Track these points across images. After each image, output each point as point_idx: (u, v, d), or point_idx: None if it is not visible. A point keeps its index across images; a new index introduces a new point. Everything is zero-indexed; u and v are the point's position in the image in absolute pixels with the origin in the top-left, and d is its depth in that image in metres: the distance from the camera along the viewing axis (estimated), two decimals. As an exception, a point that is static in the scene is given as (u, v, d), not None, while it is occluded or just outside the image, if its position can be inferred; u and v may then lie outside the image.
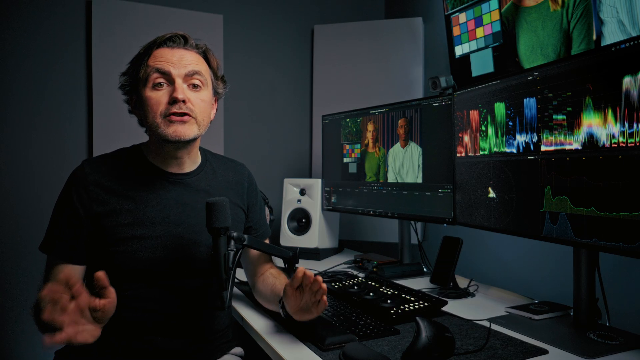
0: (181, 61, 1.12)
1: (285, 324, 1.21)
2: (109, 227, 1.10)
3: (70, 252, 1.11)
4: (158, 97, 1.10)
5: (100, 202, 1.11)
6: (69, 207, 1.11)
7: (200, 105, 1.14)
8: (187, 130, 1.12)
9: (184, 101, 1.10)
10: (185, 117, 1.11)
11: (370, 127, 1.93)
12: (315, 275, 1.03)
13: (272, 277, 1.31)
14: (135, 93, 1.16)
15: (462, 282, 1.60)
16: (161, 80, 1.11)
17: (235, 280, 1.59)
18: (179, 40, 1.14)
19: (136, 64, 1.15)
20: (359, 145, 1.99)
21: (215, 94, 1.23)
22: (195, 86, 1.14)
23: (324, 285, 1.04)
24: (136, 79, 1.14)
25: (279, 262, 1.51)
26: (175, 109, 1.10)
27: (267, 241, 1.42)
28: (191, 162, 1.23)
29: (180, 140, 1.12)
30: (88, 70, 2.04)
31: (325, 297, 1.05)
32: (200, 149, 1.28)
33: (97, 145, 2.02)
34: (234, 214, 1.28)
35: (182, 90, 1.11)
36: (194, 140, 1.17)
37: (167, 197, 1.17)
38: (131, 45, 2.03)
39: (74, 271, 1.12)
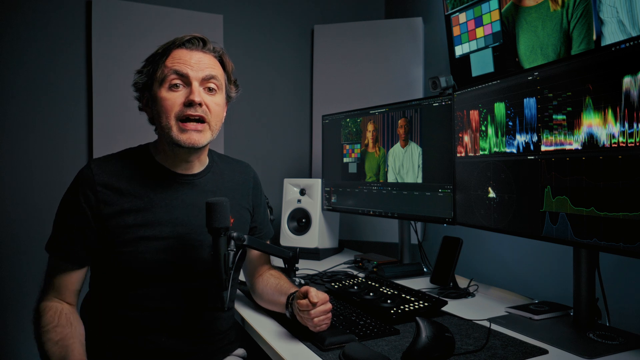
0: (199, 64, 1.12)
1: (287, 324, 1.21)
2: (116, 228, 1.10)
3: (72, 254, 1.10)
4: (174, 99, 1.10)
5: (108, 203, 1.10)
6: (75, 208, 1.10)
7: (215, 109, 1.15)
8: (200, 138, 1.12)
9: (200, 104, 1.10)
10: (200, 125, 1.11)
11: (370, 127, 1.93)
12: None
13: (274, 278, 1.31)
14: (148, 91, 1.16)
15: (462, 282, 1.60)
16: (178, 81, 1.11)
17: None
18: (198, 42, 1.15)
19: (153, 62, 1.14)
20: (359, 145, 1.99)
21: (228, 97, 1.23)
22: (210, 89, 1.15)
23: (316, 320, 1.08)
24: (152, 78, 1.14)
25: (279, 262, 1.51)
26: (191, 112, 1.10)
27: (268, 242, 1.42)
28: (200, 164, 1.24)
29: (193, 147, 1.12)
30: (88, 70, 2.04)
31: (317, 328, 1.09)
32: (208, 150, 1.28)
33: (97, 146, 2.02)
34: (240, 215, 1.28)
35: (199, 93, 1.11)
36: (206, 145, 1.17)
37: (175, 198, 1.17)
38: (131, 45, 2.06)
39: (76, 273, 1.12)
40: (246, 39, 2.37)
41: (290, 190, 2.16)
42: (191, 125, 1.10)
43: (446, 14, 1.87)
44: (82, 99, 2.04)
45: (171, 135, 1.11)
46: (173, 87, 1.11)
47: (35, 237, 1.86)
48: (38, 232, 1.15)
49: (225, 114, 1.24)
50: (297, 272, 1.50)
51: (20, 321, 1.90)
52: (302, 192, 2.14)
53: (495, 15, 1.67)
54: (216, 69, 1.16)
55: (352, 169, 2.02)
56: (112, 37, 2.03)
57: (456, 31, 1.85)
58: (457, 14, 1.82)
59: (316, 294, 1.07)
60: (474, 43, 1.77)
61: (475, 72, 1.79)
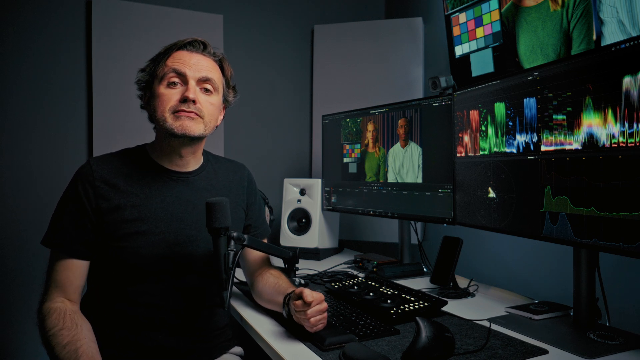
0: (197, 65, 1.18)
1: (285, 324, 1.21)
2: (113, 222, 1.12)
3: (74, 246, 1.12)
4: (170, 95, 1.15)
5: (105, 198, 1.13)
6: (75, 202, 1.13)
7: (209, 107, 1.19)
8: (193, 126, 1.16)
9: (194, 101, 1.15)
10: (193, 114, 1.16)
11: (370, 127, 1.93)
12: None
13: (273, 277, 1.32)
14: (149, 89, 1.20)
15: (462, 282, 1.60)
16: (176, 79, 1.16)
17: (235, 280, 1.59)
18: (199, 45, 1.21)
19: (155, 62, 1.20)
20: (359, 145, 1.99)
21: (225, 101, 1.28)
22: (206, 90, 1.20)
23: (313, 320, 1.07)
24: (153, 76, 1.19)
25: (279, 262, 1.51)
26: (184, 107, 1.15)
27: (265, 240, 1.43)
28: (194, 161, 1.27)
29: (185, 135, 1.15)
30: (88, 70, 2.04)
31: (314, 328, 1.08)
32: (203, 150, 1.31)
33: (97, 145, 2.02)
34: (235, 213, 1.30)
35: (194, 91, 1.16)
36: (199, 139, 1.21)
37: (169, 194, 1.20)
38: (131, 45, 2.07)
39: (77, 266, 1.12)
40: (246, 39, 2.37)
41: (290, 190, 2.16)
42: (184, 113, 1.15)
43: (446, 14, 1.87)
44: (82, 99, 2.04)
45: (166, 126, 1.15)
46: (171, 85, 1.16)
47: (36, 236, 1.84)
48: (39, 232, 1.16)
49: (221, 117, 1.29)
50: (297, 272, 1.50)
51: (23, 320, 1.90)
52: (302, 192, 2.14)
53: (495, 15, 1.67)
54: (214, 72, 1.21)
55: (352, 169, 2.02)
56: (112, 37, 2.03)
57: (456, 31, 1.85)
58: (457, 14, 1.82)
59: (310, 294, 1.07)
60: (474, 43, 1.77)
61: (475, 72, 1.79)
